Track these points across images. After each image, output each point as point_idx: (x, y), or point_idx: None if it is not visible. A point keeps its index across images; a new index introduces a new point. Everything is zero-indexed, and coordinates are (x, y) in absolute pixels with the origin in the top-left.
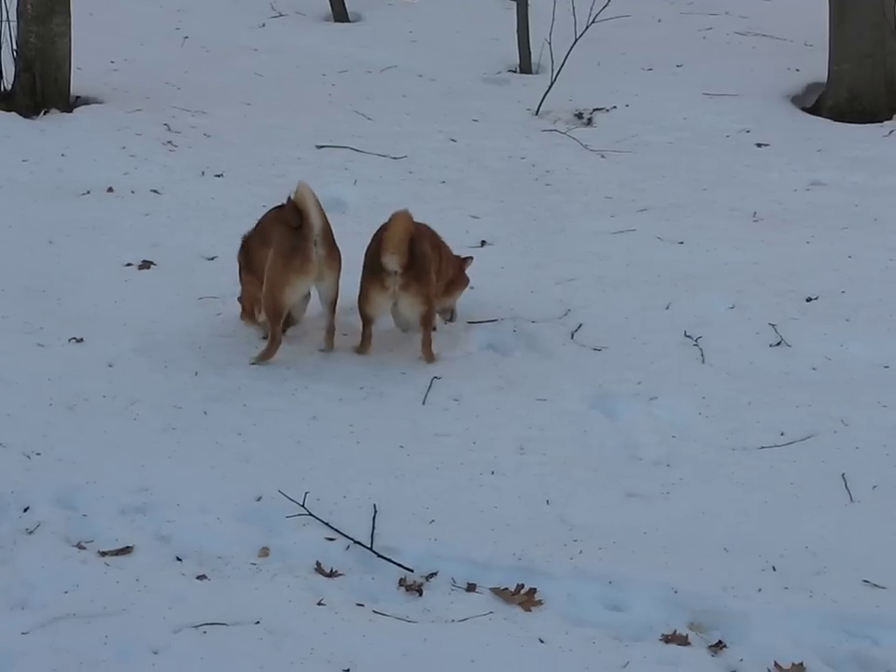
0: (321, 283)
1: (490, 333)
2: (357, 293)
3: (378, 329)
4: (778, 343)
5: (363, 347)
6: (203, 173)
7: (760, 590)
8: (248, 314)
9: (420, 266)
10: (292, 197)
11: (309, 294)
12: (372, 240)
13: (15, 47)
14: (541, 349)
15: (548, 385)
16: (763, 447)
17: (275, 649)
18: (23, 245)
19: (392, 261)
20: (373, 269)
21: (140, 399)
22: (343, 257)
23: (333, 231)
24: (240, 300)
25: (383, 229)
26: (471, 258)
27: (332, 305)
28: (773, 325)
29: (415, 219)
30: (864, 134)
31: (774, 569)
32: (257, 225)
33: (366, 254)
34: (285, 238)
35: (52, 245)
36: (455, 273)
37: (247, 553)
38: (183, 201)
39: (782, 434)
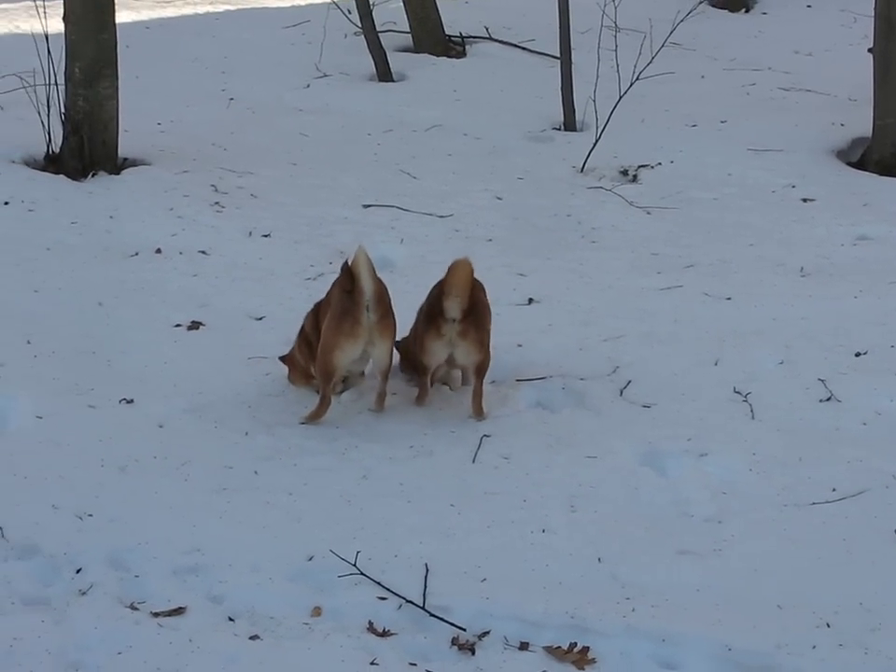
0: (373, 347)
1: (539, 391)
2: (409, 348)
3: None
4: (828, 399)
5: (420, 399)
6: (250, 233)
7: (814, 647)
8: (297, 378)
9: (478, 313)
10: (349, 262)
11: (367, 358)
12: (429, 294)
13: (63, 110)
14: (590, 406)
15: (597, 442)
16: (814, 503)
17: None
18: (73, 307)
19: (454, 306)
20: (430, 317)
21: (191, 459)
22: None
23: (390, 298)
24: (283, 359)
25: (440, 282)
26: None
27: (385, 371)
28: (822, 380)
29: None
30: None
31: (828, 626)
32: (327, 294)
33: (422, 305)
34: (339, 302)
35: (101, 307)
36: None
37: (299, 613)
38: (231, 261)
39: (834, 490)
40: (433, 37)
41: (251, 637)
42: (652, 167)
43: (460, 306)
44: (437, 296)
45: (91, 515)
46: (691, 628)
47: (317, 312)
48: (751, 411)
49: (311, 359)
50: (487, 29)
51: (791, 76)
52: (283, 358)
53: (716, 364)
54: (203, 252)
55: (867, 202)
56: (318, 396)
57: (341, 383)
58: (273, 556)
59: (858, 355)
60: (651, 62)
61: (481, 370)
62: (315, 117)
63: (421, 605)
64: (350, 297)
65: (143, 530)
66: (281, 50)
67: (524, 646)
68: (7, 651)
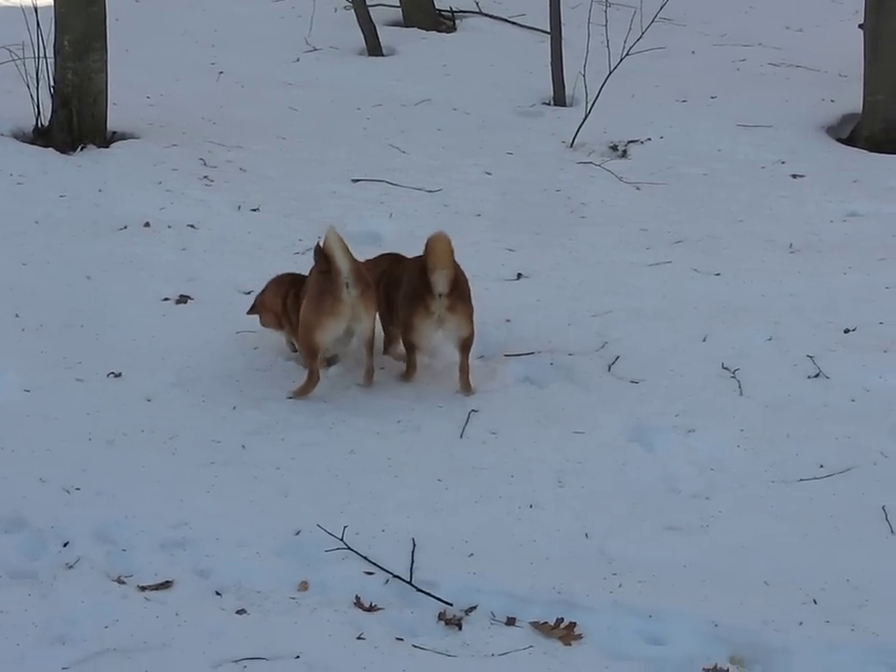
0: (357, 323)
1: (527, 366)
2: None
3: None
4: (816, 375)
5: (408, 376)
6: (239, 207)
7: (801, 623)
8: (267, 317)
9: (463, 286)
10: (320, 244)
11: (352, 333)
12: (407, 269)
13: (52, 83)
14: (578, 382)
15: (585, 417)
16: (802, 479)
17: None
18: (61, 281)
19: (442, 280)
20: (415, 296)
21: (178, 433)
22: None
23: (368, 273)
24: (253, 308)
25: (418, 258)
26: None
27: (370, 345)
28: (811, 356)
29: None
30: None
31: (815, 603)
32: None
33: (401, 287)
34: (317, 282)
35: (90, 281)
36: None
37: (286, 588)
38: (219, 235)
39: (821, 466)
40: (423, 12)
41: (238, 612)
42: (642, 142)
43: (448, 279)
44: (418, 275)
45: (78, 489)
46: (677, 604)
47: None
48: (739, 387)
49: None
50: (477, 3)
51: (781, 51)
52: (252, 308)
53: (704, 340)
54: (192, 226)
55: (857, 178)
56: (306, 371)
57: (325, 361)
58: (260, 531)
59: (846, 331)
60: (641, 37)
61: (467, 343)
62: (305, 91)
63: (408, 580)
64: (327, 276)
65: (130, 504)
66: (271, 24)
67: (510, 621)
68: None
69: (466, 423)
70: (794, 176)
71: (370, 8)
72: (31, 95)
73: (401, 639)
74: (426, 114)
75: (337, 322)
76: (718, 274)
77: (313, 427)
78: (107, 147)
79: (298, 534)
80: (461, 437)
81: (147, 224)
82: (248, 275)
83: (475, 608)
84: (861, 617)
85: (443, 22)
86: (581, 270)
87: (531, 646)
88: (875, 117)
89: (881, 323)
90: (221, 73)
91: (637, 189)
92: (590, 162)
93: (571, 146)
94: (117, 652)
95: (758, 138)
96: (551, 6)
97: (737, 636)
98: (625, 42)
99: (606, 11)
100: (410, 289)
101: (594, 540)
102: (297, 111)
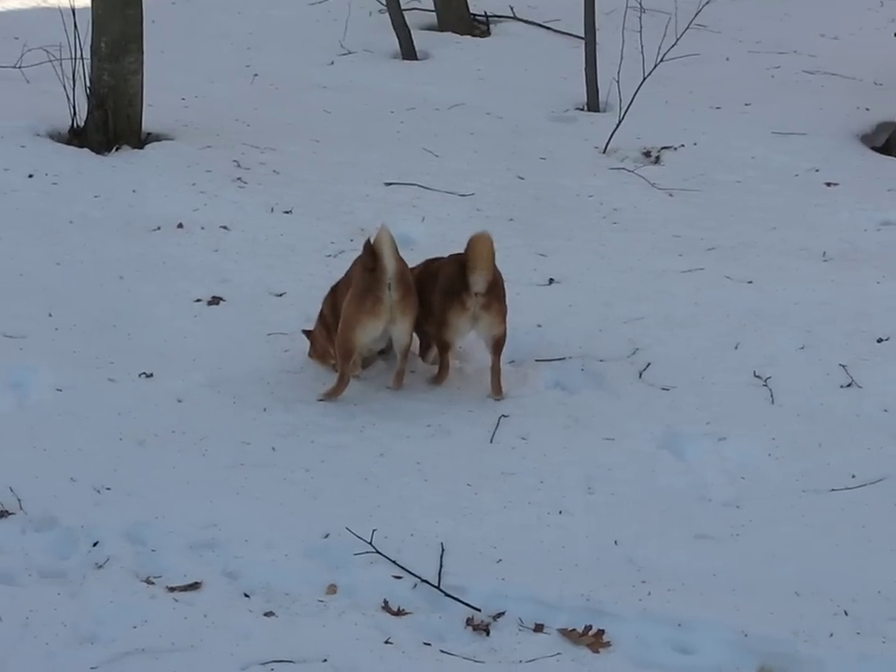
0: (393, 326)
1: (558, 372)
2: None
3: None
4: (849, 384)
5: (441, 377)
6: (272, 209)
7: (831, 635)
8: (318, 354)
9: (499, 286)
10: (371, 240)
11: (389, 335)
12: (444, 266)
13: (88, 84)
14: (609, 388)
15: (616, 424)
16: (833, 489)
17: None
18: (94, 281)
19: (480, 280)
20: (452, 292)
21: (209, 434)
22: None
23: (411, 277)
24: (307, 333)
25: (457, 254)
26: None
27: (405, 349)
28: (843, 365)
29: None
30: None
31: (846, 614)
32: (346, 274)
33: (336, 284)
34: (360, 280)
35: (123, 281)
36: None
37: (315, 591)
38: (252, 237)
39: (853, 476)
40: (458, 16)
41: (266, 614)
42: (675, 149)
43: (486, 279)
44: (457, 271)
45: (108, 489)
46: (707, 613)
47: (335, 293)
48: (771, 395)
49: (329, 342)
50: (512, 8)
51: (816, 59)
52: (307, 332)
53: (736, 348)
54: (225, 227)
55: (891, 187)
56: (336, 374)
57: (359, 366)
58: (289, 533)
59: (880, 341)
60: (675, 43)
61: (500, 343)
62: (339, 94)
63: (436, 584)
64: (372, 275)
65: (160, 504)
66: (306, 27)
67: (538, 628)
68: (24, 623)
69: (496, 428)
70: (828, 184)
71: (404, 12)
72: (67, 96)
73: (429, 644)
74: (459, 118)
75: (376, 322)
76: (750, 282)
77: (343, 430)
78: (142, 148)
79: (327, 537)
80: (491, 442)
81: (180, 225)
82: (280, 277)
83: (503, 613)
84: (893, 628)
85: (478, 27)
86: (613, 276)
87: (559, 653)
88: None
89: None
90: (256, 75)
91: (670, 195)
92: (623, 168)
93: (604, 151)
94: (145, 653)
95: (792, 146)
96: (585, 11)
97: (767, 646)
98: (660, 48)
99: (640, 17)
100: (447, 285)
101: (623, 547)
102: (331, 114)
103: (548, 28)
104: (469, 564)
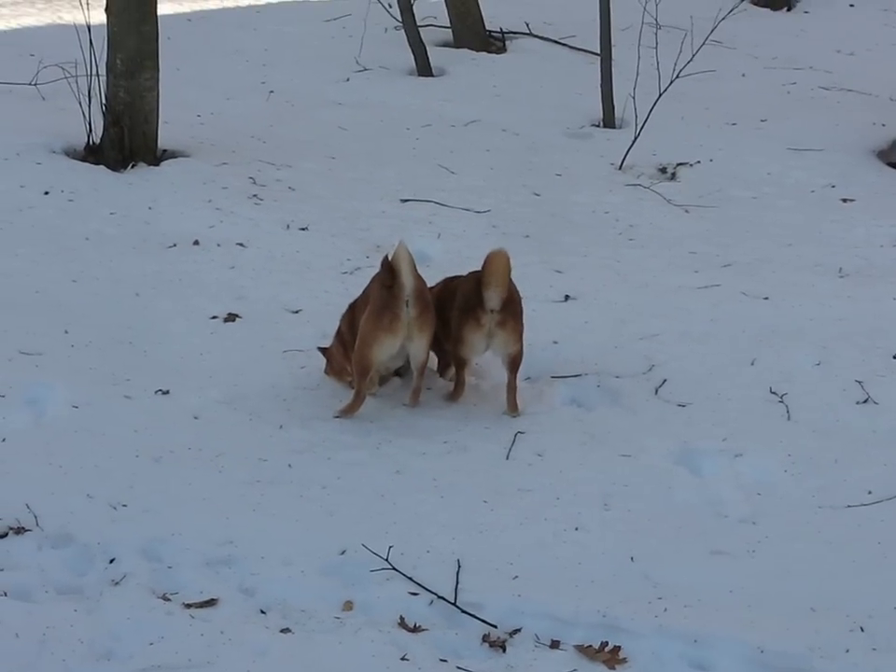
0: (410, 343)
1: (574, 388)
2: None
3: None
4: (865, 401)
5: (457, 394)
6: (287, 226)
7: (847, 651)
8: (335, 371)
9: (515, 304)
10: (389, 257)
11: (406, 352)
12: (462, 283)
13: (104, 101)
14: (625, 404)
15: (632, 440)
16: (849, 505)
17: None
18: (110, 298)
19: (495, 297)
20: (468, 309)
21: (225, 451)
22: None
23: (429, 294)
24: (323, 350)
25: (475, 272)
26: None
27: (422, 366)
28: (859, 382)
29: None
30: None
31: (862, 630)
32: (364, 291)
33: (354, 302)
34: (378, 297)
35: (139, 298)
36: None
37: (331, 607)
38: (268, 254)
39: (869, 492)
40: (473, 32)
41: (282, 630)
42: (691, 165)
43: (500, 296)
44: (473, 288)
45: (125, 505)
46: (723, 629)
47: (353, 310)
48: (787, 411)
49: (346, 359)
50: (528, 25)
51: (832, 75)
52: (323, 350)
53: (752, 364)
54: (241, 244)
55: None
56: (353, 390)
57: (376, 384)
58: (305, 549)
59: (895, 357)
60: (691, 59)
61: (516, 361)
62: (355, 110)
63: (452, 601)
64: (390, 292)
65: (176, 521)
66: (321, 44)
67: (555, 644)
68: (41, 640)
69: (512, 444)
70: (844, 200)
71: (420, 29)
72: (83, 113)
73: (445, 661)
74: (475, 135)
75: (393, 340)
76: (766, 298)
77: (359, 447)
78: (158, 165)
79: (343, 553)
80: (507, 458)
81: (196, 242)
82: (296, 294)
83: (519, 630)
84: None
85: (493, 43)
86: (629, 292)
87: (575, 669)
88: None
89: None
90: (272, 92)
91: (686, 211)
92: (639, 185)
93: (620, 168)
94: (161, 669)
95: (808, 162)
96: (601, 27)
97: (783, 662)
98: (675, 64)
99: (656, 34)
100: (463, 302)
101: (639, 564)
102: (346, 131)
103: (564, 44)
104: (486, 580)
